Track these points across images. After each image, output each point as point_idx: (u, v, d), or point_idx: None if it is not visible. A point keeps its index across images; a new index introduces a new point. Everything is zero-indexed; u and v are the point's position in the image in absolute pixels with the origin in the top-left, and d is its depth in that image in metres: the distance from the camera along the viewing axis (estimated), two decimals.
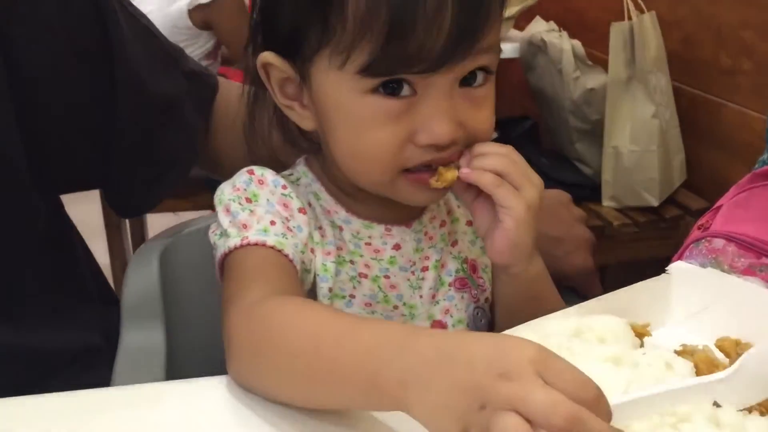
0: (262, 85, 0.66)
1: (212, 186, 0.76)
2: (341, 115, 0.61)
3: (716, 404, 0.48)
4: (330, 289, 0.67)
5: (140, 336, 0.73)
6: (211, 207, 0.66)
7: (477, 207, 0.63)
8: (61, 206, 0.80)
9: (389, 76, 0.58)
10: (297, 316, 0.54)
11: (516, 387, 0.40)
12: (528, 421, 0.39)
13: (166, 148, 0.77)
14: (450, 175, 0.61)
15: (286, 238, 0.63)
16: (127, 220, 2.02)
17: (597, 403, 0.40)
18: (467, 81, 0.61)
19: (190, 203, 1.83)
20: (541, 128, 1.83)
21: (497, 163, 0.60)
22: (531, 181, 0.61)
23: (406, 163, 0.61)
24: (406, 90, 0.59)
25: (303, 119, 0.66)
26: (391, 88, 0.59)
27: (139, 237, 2.06)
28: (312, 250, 0.66)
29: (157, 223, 1.54)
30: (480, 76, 0.61)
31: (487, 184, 0.60)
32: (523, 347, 0.42)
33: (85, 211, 1.00)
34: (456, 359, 0.43)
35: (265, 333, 0.54)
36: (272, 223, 0.64)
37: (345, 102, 0.60)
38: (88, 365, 0.75)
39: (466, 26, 0.57)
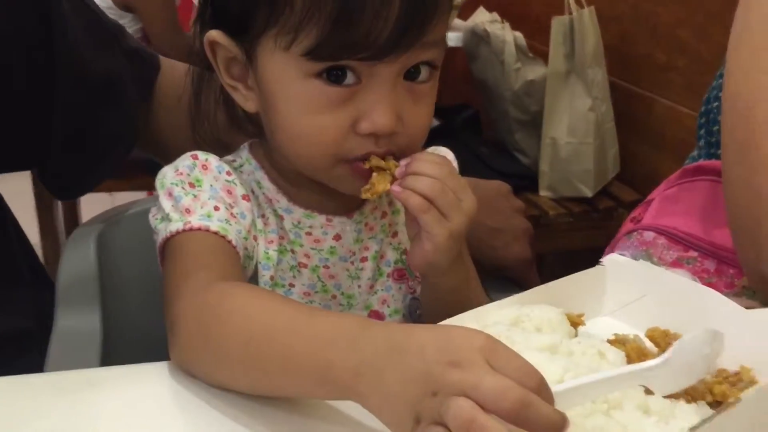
0: (207, 64, 0.66)
1: (151, 168, 0.75)
2: (284, 98, 0.61)
3: (647, 391, 0.50)
4: (271, 278, 0.67)
5: (75, 320, 0.72)
6: (148, 188, 0.65)
7: (408, 214, 0.63)
8: None
9: (333, 61, 0.58)
10: (249, 302, 0.54)
11: (466, 374, 0.41)
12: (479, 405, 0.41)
13: (105, 128, 0.75)
14: (381, 187, 0.61)
15: (230, 224, 0.63)
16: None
17: (541, 389, 0.42)
18: (411, 75, 0.61)
19: (126, 183, 1.79)
20: (483, 117, 1.85)
21: (427, 188, 0.60)
22: (460, 209, 0.61)
23: (347, 154, 0.61)
24: (350, 78, 0.59)
25: (247, 101, 0.65)
26: (335, 76, 0.59)
27: (72, 216, 2.00)
28: (255, 238, 0.66)
29: (90, 202, 1.50)
30: (424, 72, 0.62)
31: (413, 208, 0.60)
32: (472, 336, 0.44)
33: (15, 187, 0.97)
34: (407, 349, 0.44)
35: (215, 319, 0.54)
36: (216, 208, 0.63)
37: (288, 84, 0.60)
38: (19, 350, 0.73)
39: (414, 17, 0.57)
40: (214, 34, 0.63)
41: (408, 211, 0.63)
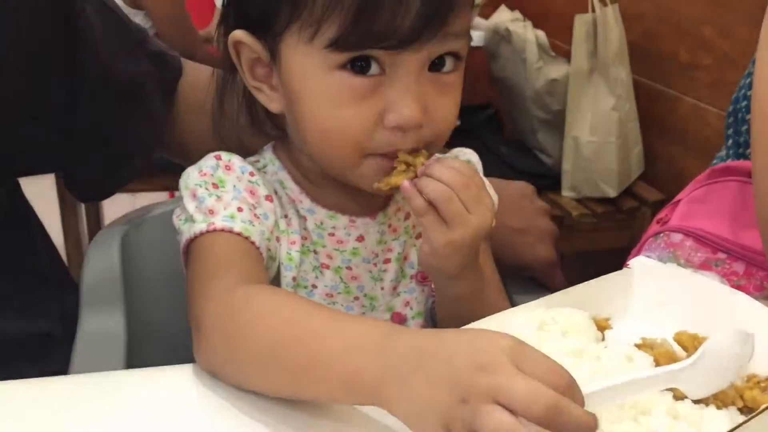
0: (231, 67, 0.66)
1: (172, 168, 0.75)
2: (309, 92, 0.61)
3: (677, 396, 0.50)
4: (294, 278, 0.66)
5: (99, 322, 0.72)
6: (169, 189, 0.65)
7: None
8: (18, 186, 0.78)
9: (357, 51, 0.58)
10: (275, 306, 0.54)
11: (496, 378, 0.41)
12: (509, 410, 0.41)
13: (130, 133, 0.75)
14: (394, 180, 0.61)
15: (253, 225, 0.62)
16: None
17: (571, 390, 0.42)
18: (436, 66, 0.61)
19: (147, 185, 1.80)
20: (503, 117, 1.84)
21: (433, 193, 0.59)
22: (465, 221, 0.59)
23: (375, 149, 0.61)
24: (374, 68, 0.59)
25: (271, 101, 0.65)
26: (359, 66, 0.59)
27: (95, 217, 2.02)
28: (278, 239, 0.66)
29: (113, 203, 1.50)
30: (449, 62, 0.61)
31: (412, 209, 0.60)
32: (498, 339, 0.43)
33: (38, 188, 0.97)
34: (434, 356, 0.44)
35: (240, 322, 0.54)
36: (239, 209, 0.63)
37: (312, 78, 0.60)
38: (43, 352, 0.73)
39: (436, 6, 0.57)
40: (239, 34, 0.63)
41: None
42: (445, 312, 0.68)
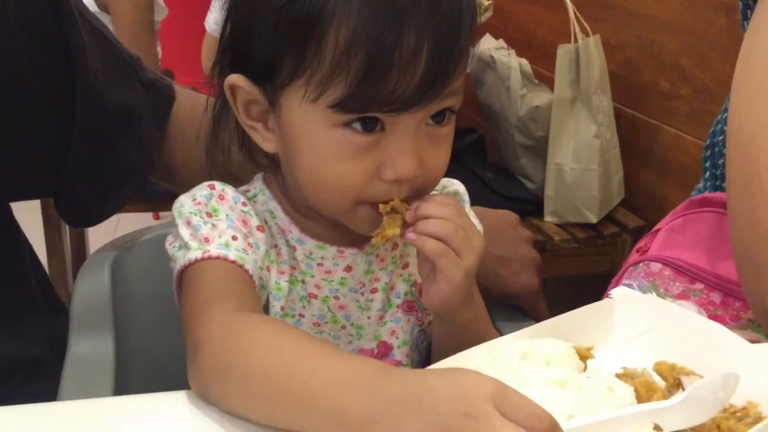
0: (226, 102, 0.66)
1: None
2: (307, 145, 0.62)
3: (657, 427, 0.51)
4: (282, 308, 0.67)
5: (89, 346, 0.72)
6: (154, 210, 0.65)
7: (420, 255, 0.65)
8: (9, 211, 0.78)
9: (360, 113, 0.59)
10: (275, 337, 0.55)
11: (481, 425, 0.43)
12: None
13: (122, 158, 0.76)
14: (391, 231, 0.62)
15: (247, 254, 0.63)
16: None
17: (552, 430, 0.44)
18: (432, 120, 0.63)
19: (132, 205, 1.79)
20: (488, 142, 1.86)
21: (440, 230, 0.61)
22: (471, 246, 0.62)
23: (369, 199, 0.62)
24: (377, 127, 0.60)
25: (266, 141, 0.66)
26: (364, 123, 0.60)
27: (79, 237, 2.01)
28: (267, 268, 0.67)
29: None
30: (446, 117, 0.63)
31: (430, 253, 0.62)
32: (481, 384, 0.45)
33: (23, 207, 0.97)
34: (421, 399, 0.45)
35: (241, 348, 0.55)
36: (234, 238, 0.64)
37: (313, 133, 0.61)
38: (32, 377, 0.73)
39: (439, 70, 0.59)
40: (236, 79, 0.63)
41: (420, 253, 0.64)
42: (449, 343, 0.68)
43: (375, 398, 0.47)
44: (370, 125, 0.60)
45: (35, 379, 0.73)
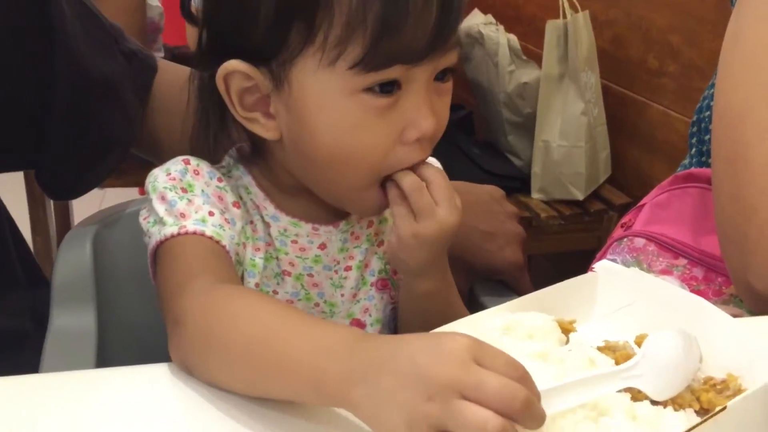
0: (212, 104, 0.65)
1: (143, 163, 0.74)
2: (326, 118, 0.61)
3: (635, 398, 0.52)
4: (257, 284, 0.67)
5: (71, 320, 0.72)
6: (139, 185, 0.65)
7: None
8: None
9: (383, 69, 0.59)
10: (254, 306, 0.55)
11: (462, 374, 0.43)
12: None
13: (104, 131, 0.75)
14: None
15: (224, 230, 0.63)
16: None
17: (527, 381, 0.45)
18: (438, 77, 0.63)
19: (117, 180, 1.78)
20: (476, 118, 1.86)
21: (406, 184, 0.62)
22: (432, 215, 0.63)
23: (395, 166, 0.63)
24: (394, 87, 0.60)
25: (268, 130, 0.64)
26: (383, 87, 0.60)
27: (63, 212, 2.00)
28: (243, 245, 0.66)
29: (81, 198, 1.49)
30: (446, 74, 0.64)
31: (390, 199, 0.64)
32: (458, 337, 0.46)
33: (6, 183, 0.96)
34: (398, 356, 0.46)
35: (221, 318, 0.55)
36: (210, 213, 0.63)
37: (332, 104, 0.60)
38: (15, 350, 0.73)
39: (448, 18, 0.59)
40: (234, 64, 0.61)
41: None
42: (408, 310, 0.70)
43: (354, 362, 0.47)
44: (387, 87, 0.60)
45: (18, 353, 0.73)
